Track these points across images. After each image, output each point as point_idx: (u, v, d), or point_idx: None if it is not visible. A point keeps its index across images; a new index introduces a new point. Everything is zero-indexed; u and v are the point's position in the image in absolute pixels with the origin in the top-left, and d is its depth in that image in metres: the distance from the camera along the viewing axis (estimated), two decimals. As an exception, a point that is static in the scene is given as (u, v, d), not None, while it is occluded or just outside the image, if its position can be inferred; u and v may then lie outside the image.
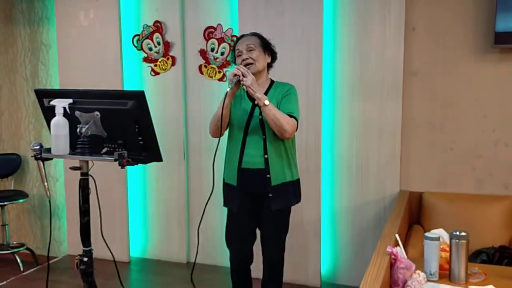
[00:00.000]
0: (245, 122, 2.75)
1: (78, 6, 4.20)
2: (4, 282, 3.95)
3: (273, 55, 2.87)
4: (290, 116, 2.68)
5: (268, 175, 2.72)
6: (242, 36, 2.87)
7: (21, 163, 4.66)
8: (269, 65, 2.87)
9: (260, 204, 2.79)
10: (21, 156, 4.67)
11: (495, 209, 3.31)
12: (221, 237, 3.95)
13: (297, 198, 2.88)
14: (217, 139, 2.69)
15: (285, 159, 2.78)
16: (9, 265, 4.41)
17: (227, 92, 2.62)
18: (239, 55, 2.76)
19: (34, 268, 4.28)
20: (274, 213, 2.77)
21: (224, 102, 2.65)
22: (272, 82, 2.86)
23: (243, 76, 2.60)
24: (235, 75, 2.60)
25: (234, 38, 3.87)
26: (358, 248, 3.76)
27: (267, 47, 2.82)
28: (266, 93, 2.76)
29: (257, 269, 3.04)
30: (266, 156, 2.72)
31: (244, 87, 2.61)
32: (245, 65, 2.70)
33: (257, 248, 2.94)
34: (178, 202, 4.23)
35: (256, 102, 2.69)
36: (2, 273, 4.24)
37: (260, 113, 2.71)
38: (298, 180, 2.87)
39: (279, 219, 2.84)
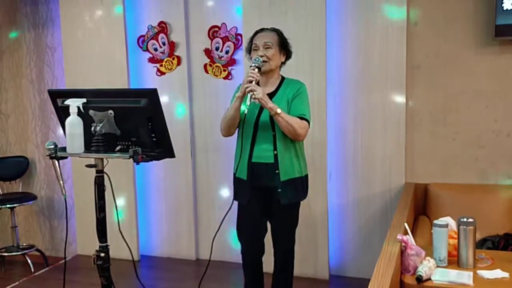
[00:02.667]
0: (255, 118, 2.79)
1: (83, 8, 4.25)
2: (16, 283, 4.00)
3: (288, 54, 2.89)
4: (302, 118, 2.74)
5: (277, 171, 2.77)
6: (262, 29, 2.87)
7: (28, 166, 4.70)
8: (282, 63, 2.91)
9: (270, 198, 2.84)
10: (29, 158, 4.71)
11: (499, 198, 3.37)
12: (229, 233, 4.03)
13: (305, 193, 2.93)
14: (225, 138, 2.76)
15: (294, 155, 2.82)
16: (20, 267, 4.45)
17: (237, 95, 2.69)
18: (255, 50, 2.78)
19: (45, 269, 4.33)
20: (284, 207, 2.82)
21: (235, 104, 2.71)
22: (282, 78, 2.90)
23: (253, 91, 2.62)
24: (250, 90, 2.60)
25: (239, 37, 3.94)
26: (365, 240, 3.82)
27: (284, 46, 2.84)
28: (276, 90, 2.82)
29: (267, 264, 3.09)
30: (275, 152, 2.77)
31: (256, 100, 2.64)
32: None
33: (268, 243, 2.99)
34: (186, 199, 4.29)
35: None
36: (13, 275, 4.28)
37: None
38: (306, 176, 2.92)
39: (289, 213, 2.90)
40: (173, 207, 4.34)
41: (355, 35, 3.68)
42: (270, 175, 2.79)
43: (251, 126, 2.79)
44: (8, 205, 4.36)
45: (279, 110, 2.65)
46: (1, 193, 4.64)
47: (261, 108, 2.78)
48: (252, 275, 3.01)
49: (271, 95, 2.79)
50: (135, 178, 4.33)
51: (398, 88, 3.61)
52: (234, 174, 2.93)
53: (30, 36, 4.60)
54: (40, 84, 4.63)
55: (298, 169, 2.84)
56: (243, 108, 2.69)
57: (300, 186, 2.86)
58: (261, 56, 2.73)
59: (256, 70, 2.66)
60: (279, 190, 2.79)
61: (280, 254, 2.96)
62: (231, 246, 4.12)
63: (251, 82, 2.62)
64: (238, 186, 2.90)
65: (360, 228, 3.84)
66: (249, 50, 2.85)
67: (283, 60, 2.87)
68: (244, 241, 2.97)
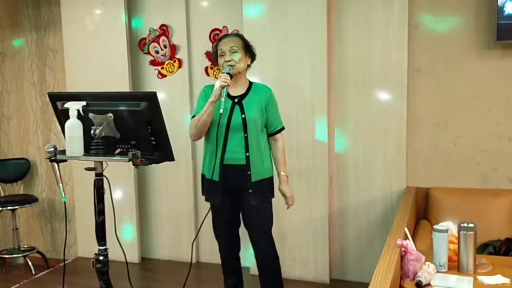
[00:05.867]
0: (226, 121, 2.85)
1: (85, 11, 4.26)
2: (17, 285, 4.00)
3: (253, 56, 2.99)
4: (279, 131, 3.00)
5: (249, 172, 2.85)
6: (225, 36, 3.02)
7: (30, 168, 4.72)
8: (248, 66, 2.99)
9: (240, 198, 2.93)
10: (30, 161, 4.72)
11: (500, 203, 3.36)
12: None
13: (272, 193, 3.01)
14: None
15: (264, 156, 2.92)
16: (21, 269, 4.46)
17: (210, 100, 2.76)
18: (222, 55, 2.87)
19: (46, 271, 4.34)
20: (255, 207, 2.90)
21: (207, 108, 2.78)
22: (250, 83, 2.99)
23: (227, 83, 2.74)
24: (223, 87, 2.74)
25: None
26: (366, 244, 3.81)
27: (248, 49, 2.95)
28: (245, 94, 2.92)
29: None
30: (247, 154, 2.85)
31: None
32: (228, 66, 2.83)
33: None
34: (186, 202, 4.29)
35: (236, 100, 2.87)
36: (14, 277, 4.29)
37: (243, 112, 2.84)
38: (272, 177, 3.01)
39: (262, 212, 2.97)
40: (174, 209, 4.34)
41: (356, 38, 3.68)
42: (241, 177, 2.86)
43: (223, 128, 2.85)
44: (9, 207, 4.38)
45: (283, 173, 2.98)
46: (2, 195, 4.65)
47: (232, 110, 2.86)
48: (231, 270, 3.14)
49: (241, 97, 2.90)
50: (136, 181, 4.33)
51: (399, 91, 3.60)
52: (204, 175, 3.00)
53: (32, 38, 4.62)
54: (41, 86, 4.64)
55: (267, 170, 2.95)
56: (218, 108, 2.74)
57: (268, 186, 2.96)
58: (229, 61, 2.83)
59: (228, 76, 2.77)
60: (250, 191, 2.87)
61: (262, 258, 3.02)
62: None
63: (223, 87, 2.73)
64: (210, 187, 2.96)
65: (360, 232, 3.82)
66: (216, 57, 2.94)
67: (248, 62, 2.97)
68: (220, 239, 3.09)
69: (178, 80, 4.17)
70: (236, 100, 2.88)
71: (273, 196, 3.00)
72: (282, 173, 2.99)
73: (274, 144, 3.01)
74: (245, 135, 2.85)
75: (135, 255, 4.32)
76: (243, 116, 2.84)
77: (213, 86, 2.82)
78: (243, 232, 3.07)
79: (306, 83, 3.71)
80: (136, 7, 4.24)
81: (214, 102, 2.75)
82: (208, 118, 2.80)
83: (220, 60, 2.88)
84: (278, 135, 3.01)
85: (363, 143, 3.74)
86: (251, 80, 3.04)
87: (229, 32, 3.95)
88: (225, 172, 2.87)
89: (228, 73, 2.77)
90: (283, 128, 3.03)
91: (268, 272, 3.02)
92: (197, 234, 2.91)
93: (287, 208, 3.02)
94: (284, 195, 2.99)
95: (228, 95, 2.87)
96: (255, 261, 3.06)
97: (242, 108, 2.86)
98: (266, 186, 2.94)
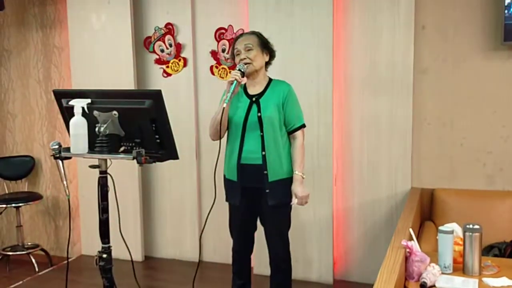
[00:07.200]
0: (243, 119, 2.83)
1: (90, 9, 4.26)
2: (20, 282, 4.01)
3: (271, 53, 2.93)
4: (299, 128, 2.88)
5: (265, 171, 2.82)
6: (241, 35, 2.95)
7: (34, 165, 4.72)
8: (268, 63, 2.94)
9: (259, 198, 2.88)
10: (35, 158, 4.73)
11: (506, 205, 3.33)
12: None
13: (291, 195, 2.92)
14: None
15: (282, 156, 2.86)
16: (24, 266, 4.46)
17: (225, 98, 2.72)
18: (238, 54, 2.85)
19: (49, 269, 4.35)
20: (273, 208, 2.86)
21: (223, 107, 2.75)
22: (270, 80, 2.94)
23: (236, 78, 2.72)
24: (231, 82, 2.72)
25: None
26: (370, 245, 3.79)
27: (265, 46, 2.89)
28: (264, 92, 2.87)
29: (266, 267, 3.10)
30: (263, 153, 2.81)
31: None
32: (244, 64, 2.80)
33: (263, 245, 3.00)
34: (190, 201, 4.28)
35: (253, 99, 2.83)
36: (17, 274, 4.29)
37: (259, 110, 2.81)
38: (292, 177, 2.93)
39: (278, 214, 2.92)
40: (178, 208, 4.34)
41: (362, 37, 3.66)
42: (258, 176, 2.83)
43: (239, 128, 2.84)
44: (13, 204, 4.38)
45: (297, 172, 2.85)
46: (7, 192, 4.66)
47: (249, 109, 2.83)
48: (240, 271, 3.12)
49: (259, 96, 2.86)
50: (140, 179, 4.33)
51: (405, 92, 3.58)
52: (224, 176, 2.98)
53: (38, 36, 4.62)
54: (47, 84, 4.64)
55: (286, 170, 2.88)
56: (226, 102, 2.72)
57: (288, 187, 2.88)
58: (243, 59, 2.79)
59: (239, 72, 2.73)
60: (267, 191, 2.83)
61: (275, 257, 2.99)
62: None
63: (232, 83, 2.71)
64: (229, 187, 2.96)
65: (365, 232, 3.81)
66: (233, 57, 2.91)
67: (267, 59, 2.91)
68: (234, 239, 3.08)
69: (183, 79, 4.17)
70: (253, 98, 2.85)
71: (291, 199, 2.90)
72: (296, 172, 2.86)
73: (293, 142, 2.90)
74: (261, 133, 2.80)
75: (139, 253, 4.32)
76: (259, 114, 2.81)
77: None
78: (258, 236, 3.05)
79: (312, 82, 3.70)
80: (142, 6, 4.23)
81: (229, 97, 2.72)
82: (225, 117, 2.79)
83: (237, 59, 2.85)
84: (297, 133, 2.89)
85: (368, 143, 3.73)
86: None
87: (234, 31, 3.94)
88: (242, 171, 2.85)
89: (239, 70, 2.74)
90: (303, 126, 2.91)
91: (277, 272, 3.01)
92: (203, 230, 2.87)
93: (291, 204, 2.88)
94: (295, 194, 2.86)
95: (247, 94, 2.85)
96: (260, 260, 3.04)
97: (259, 106, 2.82)
98: (285, 187, 2.86)
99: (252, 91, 2.89)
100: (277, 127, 2.83)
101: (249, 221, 3.01)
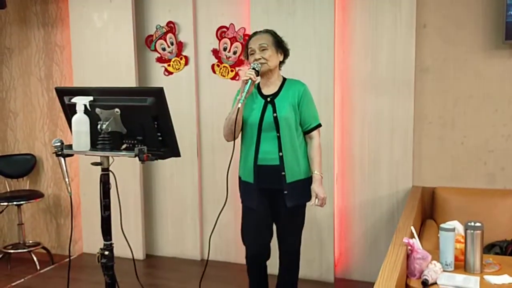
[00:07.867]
0: (258, 120, 2.79)
1: (92, 8, 4.27)
2: (21, 280, 4.01)
3: (285, 52, 2.89)
4: (313, 129, 2.85)
5: (283, 173, 2.77)
6: (255, 33, 2.88)
7: (36, 164, 4.72)
8: (281, 62, 2.91)
9: (276, 200, 2.83)
10: (36, 156, 4.73)
11: (507, 203, 3.34)
12: (234, 235, 4.02)
13: (309, 195, 2.89)
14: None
15: (299, 156, 2.82)
16: (26, 264, 4.46)
17: (240, 97, 2.67)
18: (252, 54, 2.79)
19: (51, 267, 4.35)
20: (290, 209, 2.81)
21: (238, 108, 2.69)
22: (284, 79, 2.90)
23: (251, 77, 2.68)
24: (246, 82, 2.67)
25: (247, 38, 3.93)
26: (371, 243, 3.80)
27: (280, 45, 2.84)
28: (278, 92, 2.82)
29: (272, 266, 3.08)
30: (280, 153, 2.77)
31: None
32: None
33: (273, 244, 2.98)
34: (191, 199, 4.29)
35: (268, 99, 2.78)
36: (18, 272, 4.29)
37: (274, 111, 2.76)
38: (311, 177, 2.89)
39: (296, 215, 2.89)
40: (179, 206, 4.34)
41: (363, 37, 3.67)
42: (276, 178, 2.78)
43: (255, 129, 2.79)
44: (15, 202, 4.38)
45: (317, 172, 2.82)
46: (8, 190, 4.67)
47: (264, 110, 2.79)
48: (257, 280, 2.99)
49: (274, 96, 2.81)
50: (142, 177, 4.33)
51: (406, 90, 3.58)
52: (240, 178, 2.92)
53: (39, 34, 4.62)
54: (48, 82, 4.64)
55: (303, 171, 2.84)
56: (243, 103, 2.68)
57: (306, 187, 2.85)
58: (258, 59, 2.74)
59: (253, 71, 2.69)
60: (285, 192, 2.78)
61: (286, 256, 2.95)
62: (236, 247, 4.11)
63: (247, 82, 2.67)
64: (245, 189, 2.89)
65: (366, 231, 3.81)
66: (247, 56, 2.86)
67: (281, 59, 2.87)
68: (249, 246, 2.93)
69: (185, 77, 4.17)
70: (268, 99, 2.81)
71: (310, 198, 2.85)
72: (315, 172, 2.82)
73: (310, 142, 2.87)
74: (278, 134, 2.76)
75: (140, 251, 4.33)
76: (274, 115, 2.76)
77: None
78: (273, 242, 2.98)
79: (313, 82, 3.69)
80: (143, 4, 4.24)
81: (244, 100, 2.68)
82: (239, 117, 2.73)
83: (251, 59, 2.79)
84: (313, 133, 2.86)
85: (369, 141, 3.73)
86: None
87: (236, 30, 3.95)
88: (259, 173, 2.80)
89: (254, 68, 2.69)
90: (319, 125, 2.88)
91: (285, 270, 2.98)
92: (213, 230, 2.83)
93: (311, 205, 2.84)
94: (316, 195, 2.82)
95: (261, 94, 2.82)
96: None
97: (274, 106, 2.77)
98: (302, 188, 2.83)
99: (267, 91, 2.83)
100: (293, 127, 2.78)
101: (265, 225, 2.89)
